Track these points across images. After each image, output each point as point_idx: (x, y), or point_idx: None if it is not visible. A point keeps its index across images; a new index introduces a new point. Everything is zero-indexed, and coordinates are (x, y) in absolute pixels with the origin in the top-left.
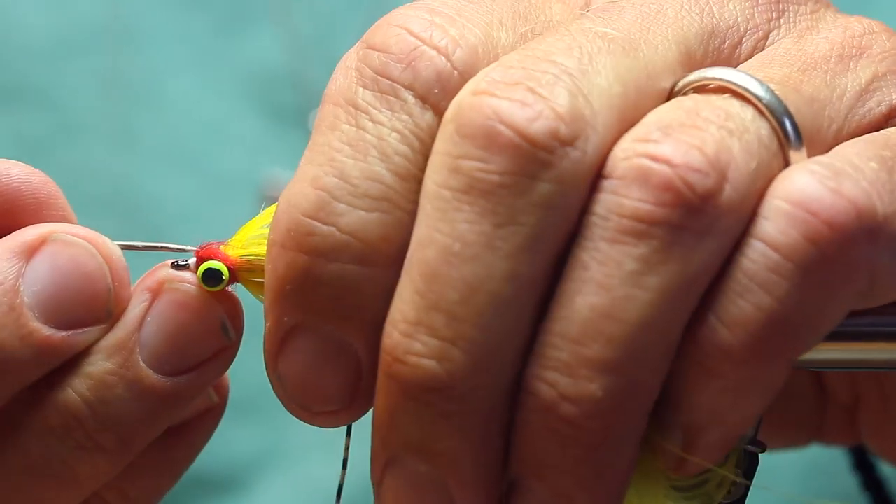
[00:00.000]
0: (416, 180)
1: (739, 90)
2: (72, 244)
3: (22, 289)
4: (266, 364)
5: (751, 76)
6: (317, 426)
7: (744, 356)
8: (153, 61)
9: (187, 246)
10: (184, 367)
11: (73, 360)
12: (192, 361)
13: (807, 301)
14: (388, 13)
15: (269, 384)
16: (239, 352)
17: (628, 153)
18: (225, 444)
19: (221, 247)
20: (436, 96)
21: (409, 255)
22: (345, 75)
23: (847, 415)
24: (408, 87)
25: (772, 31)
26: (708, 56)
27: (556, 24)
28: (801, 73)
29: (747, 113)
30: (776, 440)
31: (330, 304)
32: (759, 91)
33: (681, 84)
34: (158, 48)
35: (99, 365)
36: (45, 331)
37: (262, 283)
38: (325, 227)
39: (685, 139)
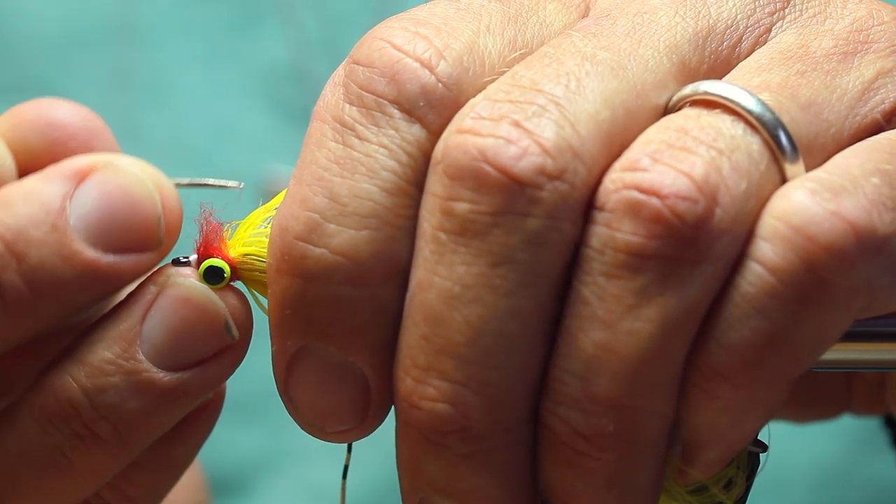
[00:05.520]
0: (406, 195)
1: (730, 104)
2: (122, 172)
3: (68, 211)
4: (277, 387)
5: (742, 88)
6: (332, 442)
7: (742, 379)
8: (161, 57)
9: (228, 181)
10: (185, 364)
11: (73, 347)
12: (194, 358)
13: (804, 324)
14: (374, 26)
15: (272, 387)
16: None
17: (617, 184)
18: (228, 447)
19: (222, 244)
20: (421, 109)
21: (409, 296)
22: (332, 91)
23: (875, 388)
24: (393, 102)
25: (775, 23)
26: (704, 61)
27: (549, 25)
28: (800, 76)
29: (738, 129)
30: (807, 414)
31: (328, 326)
32: (751, 105)
33: (675, 99)
34: (167, 44)
35: (98, 353)
36: (91, 253)
37: (262, 282)
38: (316, 250)
39: (673, 164)
